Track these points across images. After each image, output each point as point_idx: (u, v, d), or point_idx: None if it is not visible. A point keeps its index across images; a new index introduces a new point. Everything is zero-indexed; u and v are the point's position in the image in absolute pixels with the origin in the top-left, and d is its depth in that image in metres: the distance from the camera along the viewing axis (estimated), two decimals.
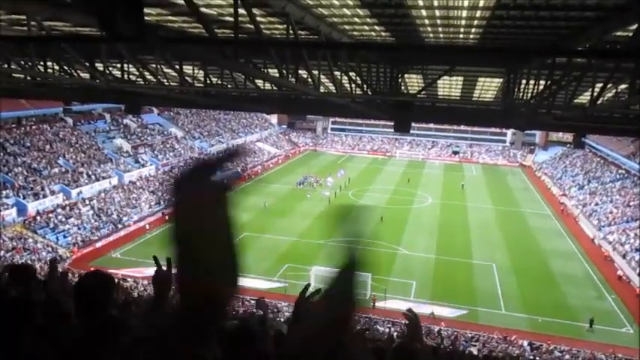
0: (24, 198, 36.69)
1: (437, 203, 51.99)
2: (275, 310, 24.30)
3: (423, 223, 44.43)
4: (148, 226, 40.22)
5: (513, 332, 25.69)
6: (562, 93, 12.04)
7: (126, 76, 14.23)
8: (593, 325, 26.52)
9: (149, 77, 14.08)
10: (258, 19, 8.99)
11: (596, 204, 49.35)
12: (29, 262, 31.00)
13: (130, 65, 14.08)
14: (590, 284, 33.01)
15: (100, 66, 13.60)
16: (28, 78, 15.18)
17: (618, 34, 8.55)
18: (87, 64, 13.12)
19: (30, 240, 33.77)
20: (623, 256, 36.35)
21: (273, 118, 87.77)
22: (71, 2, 7.44)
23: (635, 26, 7.23)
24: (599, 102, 10.19)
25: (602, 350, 23.83)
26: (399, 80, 14.82)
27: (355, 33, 11.32)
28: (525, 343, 24.34)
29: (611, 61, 9.28)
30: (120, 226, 39.63)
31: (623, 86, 12.08)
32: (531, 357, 22.44)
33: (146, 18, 8.07)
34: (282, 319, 16.66)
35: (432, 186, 60.10)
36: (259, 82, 14.39)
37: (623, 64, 9.29)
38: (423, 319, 26.67)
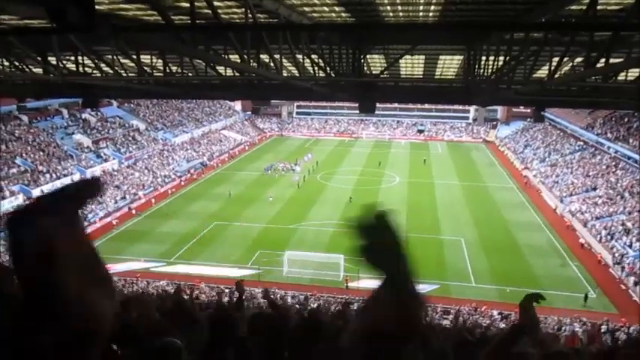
0: None
1: (405, 182, 52.63)
2: (249, 296, 24.27)
3: (392, 202, 44.93)
4: (115, 222, 39.42)
5: (483, 303, 26.41)
6: (521, 68, 12.25)
7: (81, 68, 13.74)
8: (587, 299, 27.22)
9: (106, 69, 13.64)
10: (216, 3, 8.78)
11: (557, 175, 50.88)
12: None
13: (85, 57, 13.60)
14: (554, 253, 34.14)
15: (52, 59, 13.09)
16: None
17: (573, 7, 8.72)
18: (39, 58, 12.61)
19: None
20: (584, 225, 37.70)
21: (237, 105, 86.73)
22: None
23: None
24: (556, 76, 10.43)
25: (567, 315, 24.76)
26: (362, 61, 14.79)
27: (315, 14, 11.20)
28: (495, 312, 25.07)
29: (566, 35, 9.47)
30: (85, 223, 38.61)
31: (578, 59, 12.38)
32: (502, 326, 23.14)
33: (97, 7, 7.78)
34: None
35: (399, 165, 60.77)
36: (221, 69, 14.14)
37: (578, 37, 9.50)
38: None
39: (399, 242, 0.94)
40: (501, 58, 12.22)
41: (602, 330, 21.59)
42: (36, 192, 39.12)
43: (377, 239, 0.90)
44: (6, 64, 13.52)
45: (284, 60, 12.62)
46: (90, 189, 0.88)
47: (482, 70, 13.30)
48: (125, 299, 6.73)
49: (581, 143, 56.36)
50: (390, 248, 0.92)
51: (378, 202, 0.90)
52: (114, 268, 30.40)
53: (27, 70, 13.45)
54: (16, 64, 13.11)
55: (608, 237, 34.36)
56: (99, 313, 0.79)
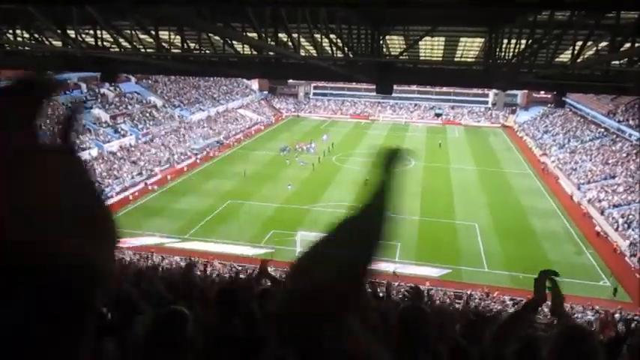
0: None
1: (420, 166, 52.32)
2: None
3: (407, 185, 44.76)
4: (131, 197, 39.93)
5: (495, 289, 26.38)
6: (543, 52, 11.99)
7: (100, 42, 13.79)
8: (616, 294, 26.80)
9: (124, 44, 13.67)
10: None
11: (576, 162, 50.17)
12: None
13: (104, 32, 13.63)
14: (569, 240, 33.85)
15: (72, 33, 13.14)
16: None
17: None
18: (58, 30, 12.67)
19: None
20: (601, 213, 37.24)
21: (254, 85, 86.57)
22: None
23: None
24: (579, 60, 10.21)
25: (580, 303, 24.64)
26: (381, 42, 14.61)
27: None
28: (507, 298, 25.04)
29: (592, 17, 9.23)
30: (102, 197, 39.18)
31: (603, 44, 12.09)
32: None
33: None
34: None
35: (416, 149, 60.35)
36: (238, 47, 14.07)
37: (604, 20, 9.26)
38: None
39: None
40: (523, 41, 11.98)
41: (616, 318, 21.45)
42: None
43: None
44: (26, 35, 13.64)
45: (302, 39, 12.53)
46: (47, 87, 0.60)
47: (503, 53, 13.05)
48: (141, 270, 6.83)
49: (602, 130, 55.35)
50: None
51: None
52: (130, 242, 30.89)
53: (47, 42, 13.55)
54: (36, 36, 13.20)
55: (625, 225, 33.94)
56: (91, 266, 0.54)
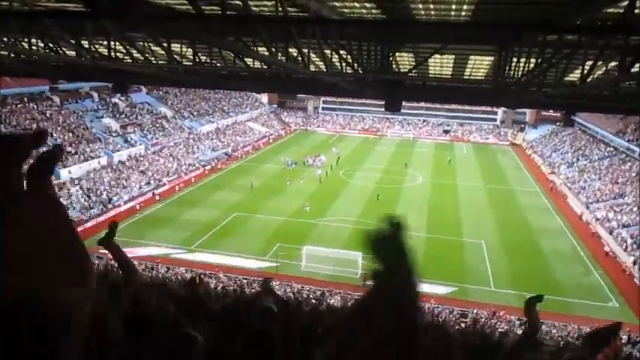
0: None
1: (427, 182, 52.20)
2: None
3: (414, 202, 44.65)
4: (138, 207, 40.08)
5: (502, 308, 26.09)
6: (552, 71, 12.00)
7: (113, 53, 13.96)
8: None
9: (137, 55, 13.84)
10: None
11: (585, 181, 49.84)
12: None
13: (117, 43, 13.82)
14: (577, 260, 33.50)
15: (85, 43, 13.33)
16: (12, 55, 14.88)
17: (610, 10, 8.51)
18: (72, 41, 12.85)
19: None
20: (610, 232, 36.88)
21: (264, 98, 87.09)
22: None
23: (626, 2, 7.19)
24: (588, 80, 10.20)
25: (588, 324, 24.28)
26: (390, 59, 14.69)
27: (346, 10, 11.17)
28: (514, 318, 24.74)
29: (601, 38, 9.25)
30: (110, 206, 39.43)
31: (613, 64, 12.08)
32: (519, 332, 22.82)
33: None
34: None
35: (423, 165, 60.29)
36: (249, 61, 14.20)
37: (614, 41, 9.27)
38: None
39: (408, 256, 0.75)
40: (533, 60, 12.00)
41: (623, 341, 21.12)
42: (64, 172, 40.01)
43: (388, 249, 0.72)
44: (40, 45, 13.84)
45: (312, 54, 12.62)
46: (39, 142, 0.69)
47: (512, 72, 13.07)
48: (146, 285, 6.80)
49: (611, 149, 55.08)
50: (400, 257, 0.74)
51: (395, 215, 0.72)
52: (136, 252, 30.94)
53: (61, 52, 13.73)
54: (51, 45, 13.39)
55: (634, 245, 33.58)
56: (66, 304, 0.60)
